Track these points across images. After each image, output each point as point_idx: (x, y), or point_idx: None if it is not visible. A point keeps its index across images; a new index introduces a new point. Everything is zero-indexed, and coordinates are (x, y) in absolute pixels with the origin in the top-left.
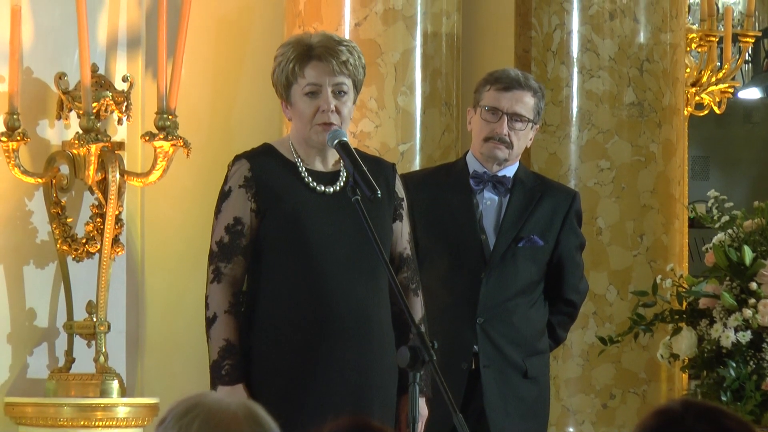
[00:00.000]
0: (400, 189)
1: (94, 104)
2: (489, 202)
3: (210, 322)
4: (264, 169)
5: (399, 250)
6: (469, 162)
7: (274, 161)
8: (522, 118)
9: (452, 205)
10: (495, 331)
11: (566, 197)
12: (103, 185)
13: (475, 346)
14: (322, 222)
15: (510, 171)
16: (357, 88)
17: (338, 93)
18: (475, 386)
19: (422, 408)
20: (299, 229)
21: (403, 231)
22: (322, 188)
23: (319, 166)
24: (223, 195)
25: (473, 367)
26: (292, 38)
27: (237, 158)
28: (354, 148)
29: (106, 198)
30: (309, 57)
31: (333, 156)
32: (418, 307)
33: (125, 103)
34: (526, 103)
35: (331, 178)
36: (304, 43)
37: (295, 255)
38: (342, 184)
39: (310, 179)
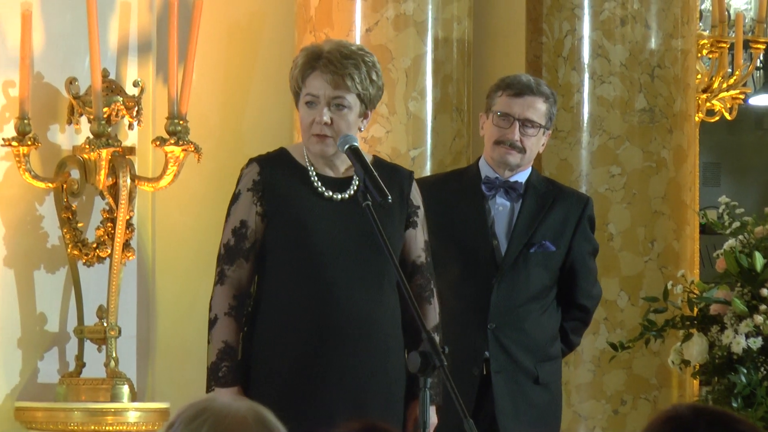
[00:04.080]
0: (416, 197)
1: (105, 109)
2: (501, 207)
3: (211, 323)
4: (273, 174)
5: (412, 258)
6: (481, 167)
7: (286, 166)
8: (534, 123)
9: (464, 210)
10: (506, 337)
11: (579, 203)
12: (114, 190)
13: (486, 352)
14: (327, 228)
15: (522, 176)
16: (364, 101)
17: (336, 106)
18: (487, 392)
19: (432, 416)
20: (303, 234)
21: (417, 238)
22: (331, 194)
23: (329, 172)
24: (233, 198)
25: (484, 372)
26: (312, 44)
27: (250, 161)
28: (373, 156)
29: (116, 203)
30: (312, 68)
31: (343, 163)
32: (431, 315)
33: (136, 108)
34: (537, 108)
35: (341, 184)
36: (314, 52)
37: (299, 260)
38: (353, 191)
39: (320, 184)
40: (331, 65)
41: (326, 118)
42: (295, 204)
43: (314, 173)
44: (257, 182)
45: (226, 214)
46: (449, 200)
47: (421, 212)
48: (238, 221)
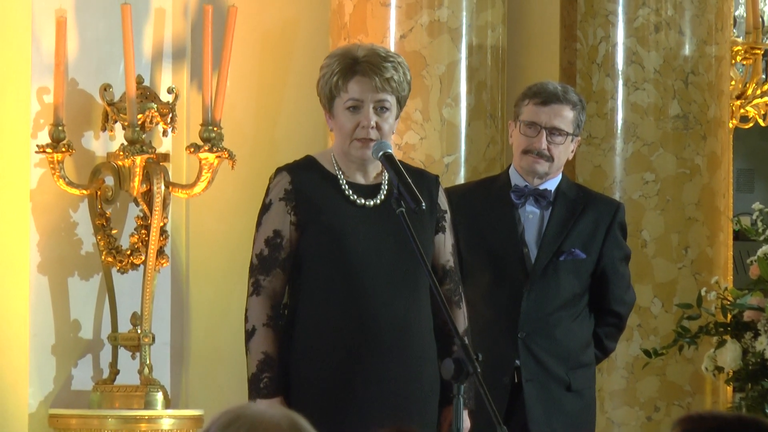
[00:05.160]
0: (443, 201)
1: (139, 116)
2: (531, 215)
3: (249, 335)
4: (304, 182)
5: (441, 263)
6: (511, 176)
7: (315, 174)
8: (561, 131)
9: (494, 219)
10: (537, 345)
11: (609, 209)
12: (148, 197)
13: (516, 361)
14: (361, 235)
15: (552, 184)
16: (401, 103)
17: (380, 109)
18: (518, 400)
19: (465, 420)
20: (338, 242)
21: (446, 243)
22: (362, 201)
23: (360, 179)
24: (264, 208)
25: (516, 381)
26: (340, 49)
27: (278, 170)
28: (399, 160)
29: (150, 209)
30: (353, 72)
31: (374, 169)
32: (461, 320)
33: (170, 115)
34: (564, 116)
35: (371, 191)
36: (349, 56)
37: (334, 268)
38: (383, 197)
39: (351, 192)
40: (375, 68)
41: (373, 122)
42: (328, 212)
43: (344, 181)
44: (289, 191)
45: (256, 224)
46: (479, 209)
47: (448, 216)
48: (271, 231)
